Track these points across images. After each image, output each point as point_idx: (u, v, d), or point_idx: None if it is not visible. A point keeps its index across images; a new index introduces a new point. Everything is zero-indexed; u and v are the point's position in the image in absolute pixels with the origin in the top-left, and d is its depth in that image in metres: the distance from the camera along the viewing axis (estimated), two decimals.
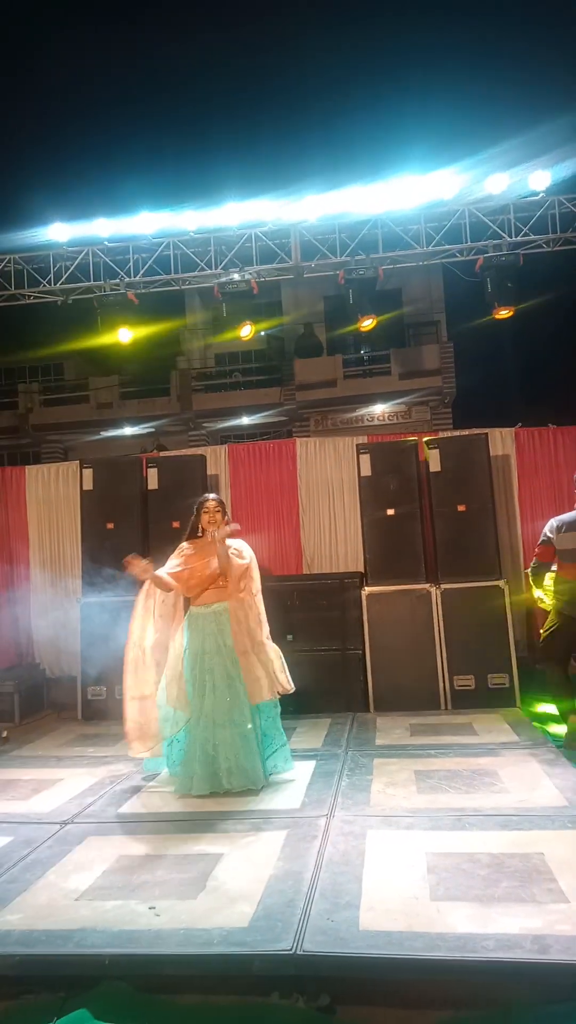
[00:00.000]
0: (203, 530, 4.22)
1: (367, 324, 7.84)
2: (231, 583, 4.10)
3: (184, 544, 4.24)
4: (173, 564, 4.13)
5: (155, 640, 4.17)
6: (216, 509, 4.22)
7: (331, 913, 2.52)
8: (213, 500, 4.27)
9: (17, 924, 2.58)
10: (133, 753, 4.16)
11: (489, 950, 2.24)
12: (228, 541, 4.13)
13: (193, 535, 4.26)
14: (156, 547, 6.57)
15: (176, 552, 4.22)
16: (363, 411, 18.10)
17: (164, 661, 4.13)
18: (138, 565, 3.93)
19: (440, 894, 2.63)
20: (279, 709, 4.21)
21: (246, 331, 8.06)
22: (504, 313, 7.55)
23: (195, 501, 4.39)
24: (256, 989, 2.27)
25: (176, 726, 4.06)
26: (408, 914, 2.50)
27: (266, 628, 4.21)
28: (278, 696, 4.13)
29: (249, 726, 3.98)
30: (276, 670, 4.11)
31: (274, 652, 4.17)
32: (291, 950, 2.30)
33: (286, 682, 4.15)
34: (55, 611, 7.43)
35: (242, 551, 4.21)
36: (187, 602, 4.25)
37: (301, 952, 2.29)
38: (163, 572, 4.06)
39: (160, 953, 2.36)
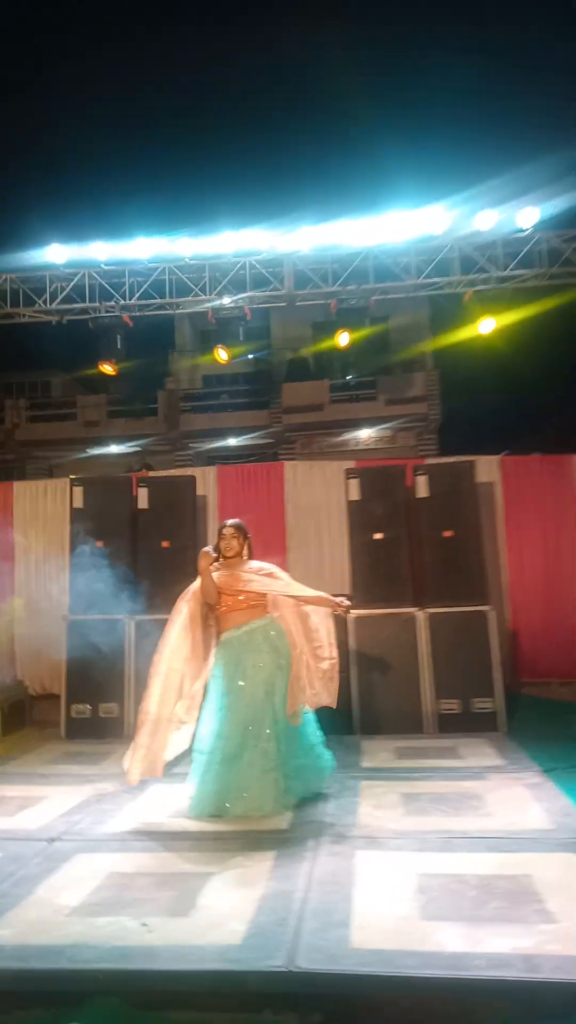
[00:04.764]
0: (222, 555, 4.22)
1: (344, 340, 8.01)
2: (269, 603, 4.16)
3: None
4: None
5: (186, 658, 4.05)
6: (232, 535, 4.21)
7: (323, 931, 2.54)
8: (229, 527, 4.25)
9: (9, 939, 2.57)
10: (132, 779, 3.93)
11: (481, 969, 2.27)
12: (257, 563, 4.23)
13: (217, 558, 4.28)
14: (145, 566, 6.62)
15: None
16: (349, 436, 18.30)
17: (192, 693, 4.03)
18: (205, 560, 4.02)
19: (430, 914, 2.66)
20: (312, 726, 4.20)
21: (223, 355, 8.17)
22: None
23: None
24: (248, 1006, 2.28)
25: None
26: (399, 933, 2.52)
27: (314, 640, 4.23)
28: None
29: (271, 745, 3.90)
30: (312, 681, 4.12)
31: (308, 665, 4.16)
32: (284, 967, 2.31)
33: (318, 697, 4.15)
34: (40, 628, 7.40)
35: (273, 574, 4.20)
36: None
37: (294, 969, 2.30)
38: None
39: (153, 969, 2.36)
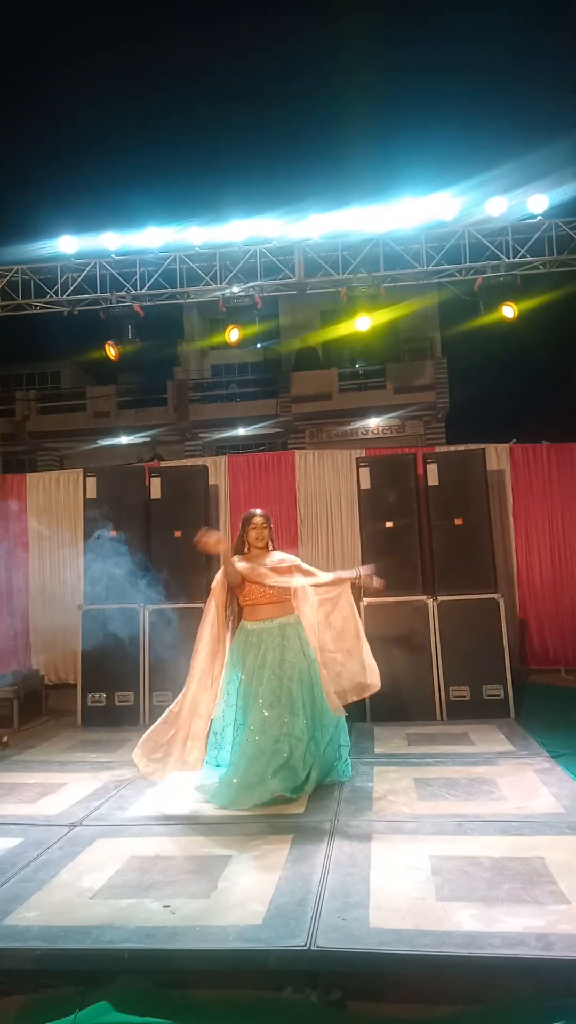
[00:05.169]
0: (250, 546, 4.21)
1: (365, 323, 7.90)
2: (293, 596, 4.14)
3: (234, 559, 4.18)
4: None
5: (213, 654, 4.07)
6: (263, 525, 4.21)
7: (341, 912, 2.61)
8: (260, 516, 4.23)
9: (35, 920, 2.65)
10: (157, 775, 3.99)
11: (495, 947, 2.33)
12: (280, 555, 4.22)
13: (239, 551, 4.22)
14: (158, 555, 6.68)
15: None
16: (358, 424, 18.29)
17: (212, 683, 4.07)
18: (212, 535, 3.91)
19: (445, 895, 2.72)
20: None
21: (234, 335, 8.09)
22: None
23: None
24: (270, 984, 2.35)
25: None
26: (415, 913, 2.58)
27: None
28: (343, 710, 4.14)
29: (303, 743, 3.90)
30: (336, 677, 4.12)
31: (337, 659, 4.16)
32: (305, 946, 2.38)
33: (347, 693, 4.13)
34: (55, 618, 7.50)
35: (291, 567, 4.19)
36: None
37: (315, 948, 2.37)
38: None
39: (177, 948, 2.44)
